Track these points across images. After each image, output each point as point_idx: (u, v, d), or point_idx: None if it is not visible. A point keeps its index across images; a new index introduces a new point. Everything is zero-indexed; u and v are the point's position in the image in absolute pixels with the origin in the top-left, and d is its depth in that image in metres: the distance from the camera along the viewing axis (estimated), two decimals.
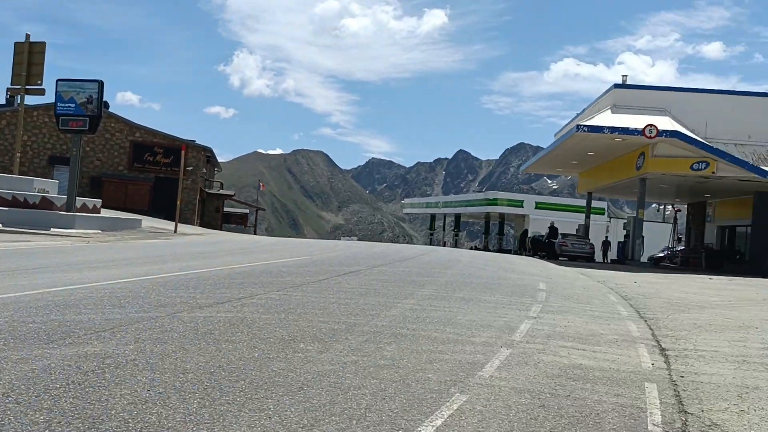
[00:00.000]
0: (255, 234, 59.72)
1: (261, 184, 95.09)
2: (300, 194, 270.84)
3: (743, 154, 27.07)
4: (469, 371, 5.98)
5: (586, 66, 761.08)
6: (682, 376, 6.59)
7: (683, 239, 41.82)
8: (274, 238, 43.23)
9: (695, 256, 35.90)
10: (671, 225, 44.52)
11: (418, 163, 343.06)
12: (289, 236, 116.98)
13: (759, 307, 12.23)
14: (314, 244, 29.80)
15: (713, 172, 26.48)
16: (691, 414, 5.32)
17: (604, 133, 26.79)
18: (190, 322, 7.12)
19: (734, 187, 29.98)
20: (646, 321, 10.16)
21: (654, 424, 4.93)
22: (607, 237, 43.68)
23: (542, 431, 4.51)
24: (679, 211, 43.88)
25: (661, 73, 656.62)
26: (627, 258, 30.86)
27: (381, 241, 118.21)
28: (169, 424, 3.93)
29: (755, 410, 5.50)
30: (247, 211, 73.24)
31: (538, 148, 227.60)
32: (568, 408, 5.11)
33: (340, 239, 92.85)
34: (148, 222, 32.99)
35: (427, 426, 4.35)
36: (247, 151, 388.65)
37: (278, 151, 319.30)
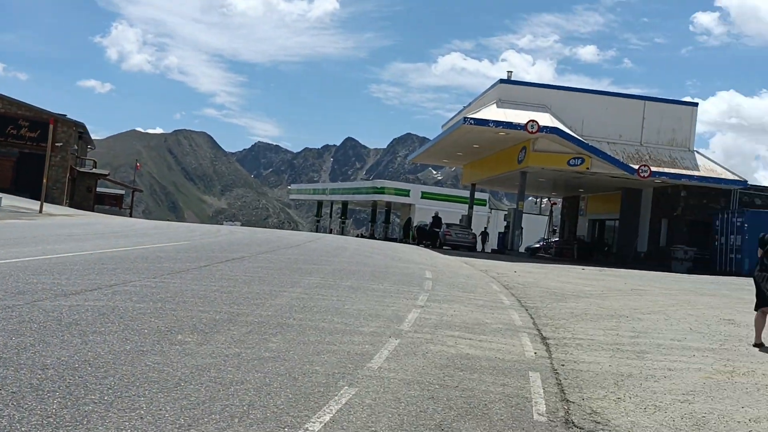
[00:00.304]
0: (131, 216, 56.73)
1: (138, 164, 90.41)
2: (181, 176, 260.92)
3: (615, 152, 28.82)
4: (357, 363, 5.80)
5: (472, 61, 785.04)
6: (563, 365, 6.76)
7: (558, 231, 44.11)
8: (152, 222, 41.21)
9: (568, 247, 37.95)
10: (547, 217, 46.79)
11: (306, 148, 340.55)
12: (168, 220, 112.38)
13: (627, 297, 12.98)
14: (195, 229, 28.65)
15: (588, 168, 28.03)
16: (573, 402, 5.43)
17: (489, 126, 27.58)
18: (52, 311, 6.45)
19: (605, 183, 31.95)
20: (527, 310, 10.46)
21: (539, 414, 4.98)
22: (485, 228, 45.29)
23: (432, 424, 4.40)
24: (555, 204, 46.19)
25: (540, 71, 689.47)
26: (507, 248, 32.08)
27: (266, 227, 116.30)
28: (23, 429, 3.45)
29: (630, 397, 5.70)
30: (122, 192, 69.46)
31: (424, 139, 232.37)
32: (456, 399, 5.05)
33: (222, 224, 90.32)
34: (9, 201, 30.37)
35: (314, 422, 4.11)
36: (125, 128, 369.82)
37: (158, 131, 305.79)
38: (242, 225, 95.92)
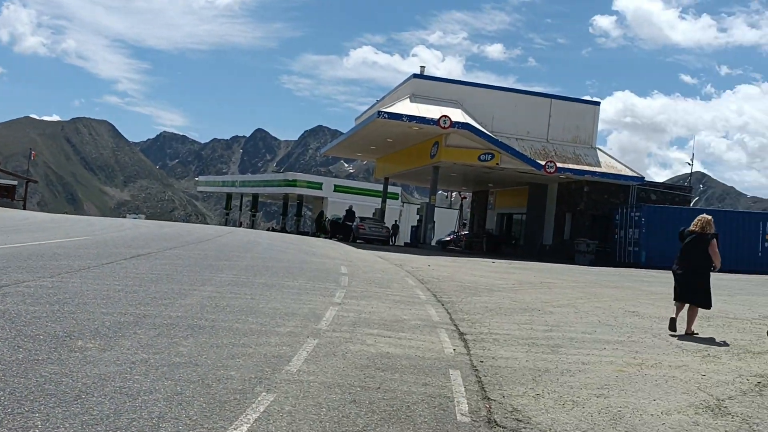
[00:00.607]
0: (25, 209, 53.33)
1: (32, 153, 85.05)
2: (80, 166, 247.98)
3: (523, 149, 29.64)
4: (275, 366, 5.54)
5: (383, 55, 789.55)
6: (482, 361, 6.77)
7: (467, 224, 45.05)
8: (49, 215, 38.86)
9: (478, 241, 38.81)
10: (457, 211, 47.77)
11: (214, 139, 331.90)
12: (66, 212, 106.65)
13: (538, 290, 13.31)
14: (96, 222, 27.19)
15: (497, 164, 28.69)
16: (494, 401, 5.40)
17: (402, 121, 27.69)
18: None
19: (513, 178, 32.86)
20: (443, 305, 10.48)
21: (462, 414, 4.91)
22: (396, 221, 45.65)
23: (355, 430, 4.24)
24: (465, 198, 47.15)
25: (450, 68, 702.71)
26: (420, 241, 32.42)
27: (171, 220, 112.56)
28: None
29: (549, 393, 5.75)
30: (15, 182, 65.12)
31: (336, 132, 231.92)
32: (379, 402, 4.90)
33: (125, 217, 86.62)
34: None
35: None
36: (17, 115, 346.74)
37: (55, 118, 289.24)
38: (147, 218, 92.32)
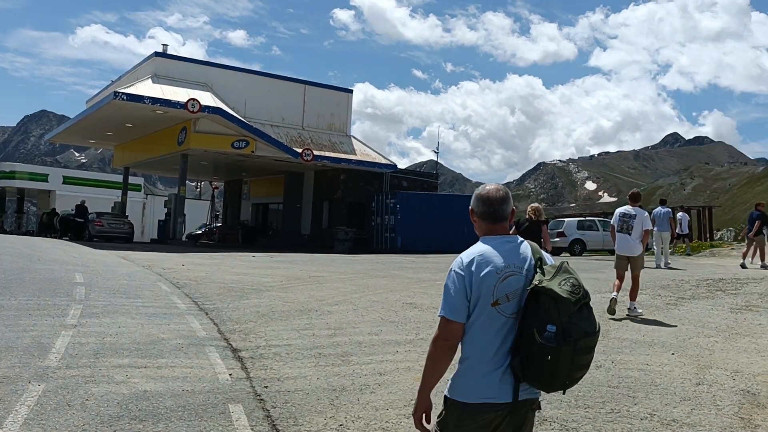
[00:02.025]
0: None
1: None
2: None
3: (278, 136, 28.58)
4: None
5: (116, 35, 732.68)
6: (266, 386, 5.57)
7: (221, 216, 42.92)
8: None
9: (232, 232, 37.04)
10: (209, 202, 45.29)
11: None
12: None
13: (309, 286, 12.39)
14: None
15: (252, 151, 27.26)
16: None
17: (144, 103, 24.84)
18: None
19: (269, 167, 31.69)
20: (207, 314, 9.01)
21: None
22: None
23: None
24: (217, 188, 44.87)
25: (191, 53, 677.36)
26: (169, 237, 29.71)
27: None
28: None
29: (353, 420, 4.80)
30: None
31: (64, 117, 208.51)
32: None
33: None
34: None
35: None
36: None
37: None
38: None
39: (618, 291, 9.19)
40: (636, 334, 7.83)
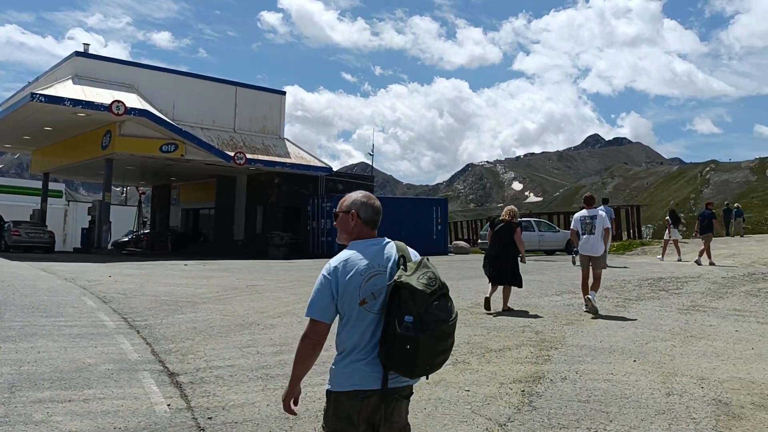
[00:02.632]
0: None
1: None
2: None
3: (209, 139, 27.51)
4: None
5: (33, 36, 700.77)
6: (210, 418, 5.00)
7: (149, 222, 41.22)
8: None
9: (161, 239, 35.58)
10: (136, 208, 43.43)
11: None
12: None
13: (248, 296, 11.75)
14: None
15: (182, 155, 26.10)
16: None
17: (65, 105, 23.39)
18: None
19: (200, 171, 30.53)
20: (139, 332, 8.29)
21: None
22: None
23: None
24: (144, 194, 43.10)
25: (114, 54, 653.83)
26: (93, 246, 28.14)
27: None
28: None
29: None
30: None
31: None
32: None
33: None
34: None
35: None
36: None
37: None
38: None
39: (587, 291, 9.71)
40: (593, 340, 7.64)
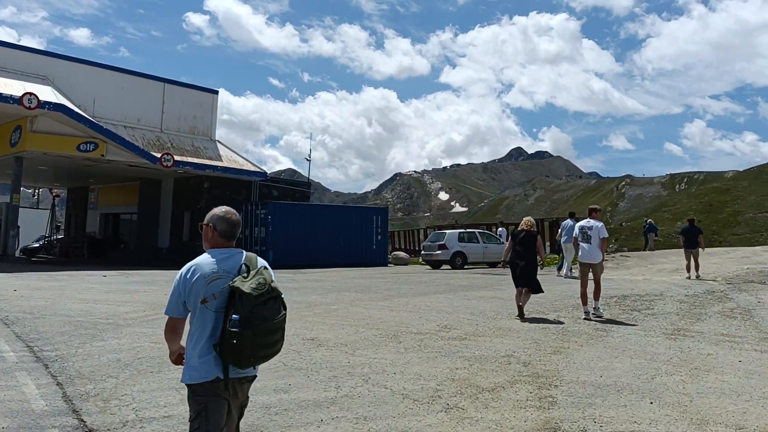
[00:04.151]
0: None
1: None
2: None
3: (134, 138, 25.39)
4: None
5: None
6: None
7: (63, 227, 38.26)
8: None
9: (77, 246, 32.98)
10: (49, 211, 40.28)
11: None
12: None
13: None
14: None
15: (102, 155, 23.92)
16: None
17: None
18: None
19: (121, 172, 28.30)
20: (47, 366, 6.74)
21: None
22: None
23: None
24: (58, 196, 40.02)
25: None
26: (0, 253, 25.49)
27: None
28: None
29: None
30: None
31: None
32: None
33: None
34: None
35: None
36: None
37: None
38: None
39: (586, 303, 10.52)
40: (591, 375, 6.67)
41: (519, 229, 10.82)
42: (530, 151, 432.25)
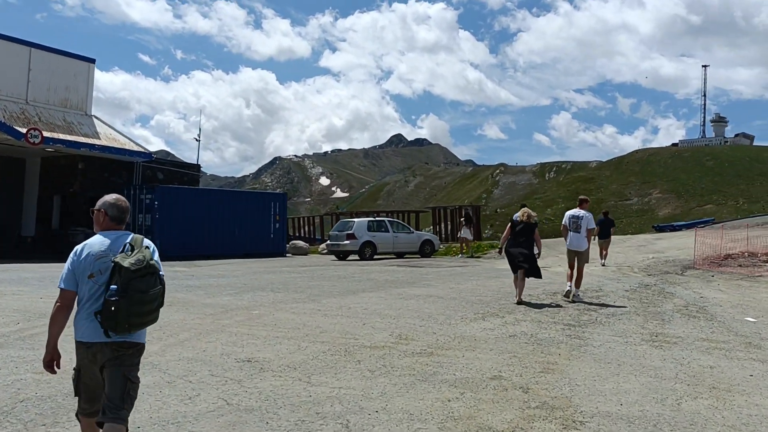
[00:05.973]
0: None
1: None
2: None
3: None
4: None
5: None
6: None
7: None
8: None
9: None
10: None
11: None
12: None
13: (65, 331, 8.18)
14: None
15: None
16: None
17: None
18: None
19: None
20: None
21: None
22: None
23: None
24: None
25: None
26: None
27: None
28: None
29: None
30: None
31: None
32: None
33: None
34: None
35: None
36: None
37: None
38: None
39: (572, 281, 11.40)
40: (609, 404, 5.57)
41: (518, 219, 11.21)
42: (410, 138, 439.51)
